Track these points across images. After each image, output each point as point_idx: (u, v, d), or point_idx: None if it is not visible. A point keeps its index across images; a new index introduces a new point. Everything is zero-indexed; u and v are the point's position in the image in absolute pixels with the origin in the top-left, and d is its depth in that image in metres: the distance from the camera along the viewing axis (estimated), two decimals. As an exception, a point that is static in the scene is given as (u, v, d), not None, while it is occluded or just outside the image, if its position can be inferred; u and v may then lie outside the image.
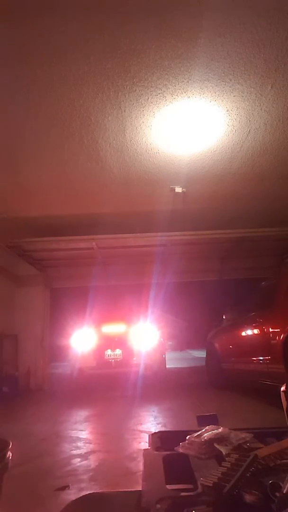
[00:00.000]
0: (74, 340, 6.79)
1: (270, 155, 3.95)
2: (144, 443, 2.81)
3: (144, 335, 6.64)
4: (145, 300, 7.84)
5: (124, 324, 6.83)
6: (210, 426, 1.45)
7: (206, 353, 6.77)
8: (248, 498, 0.95)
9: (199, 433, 1.39)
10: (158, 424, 3.71)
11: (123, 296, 8.54)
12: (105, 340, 6.61)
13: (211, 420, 1.55)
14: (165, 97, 2.95)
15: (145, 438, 2.89)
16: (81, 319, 7.14)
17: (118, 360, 6.43)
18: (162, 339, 7.46)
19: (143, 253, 6.99)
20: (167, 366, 7.93)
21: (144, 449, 1.37)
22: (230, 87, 2.88)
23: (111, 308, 7.85)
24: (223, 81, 2.81)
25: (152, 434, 1.51)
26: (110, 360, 6.44)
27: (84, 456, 2.69)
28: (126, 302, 8.07)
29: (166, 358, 7.63)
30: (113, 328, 6.81)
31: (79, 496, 1.19)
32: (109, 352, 6.50)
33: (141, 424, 3.74)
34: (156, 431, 1.54)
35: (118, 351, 6.48)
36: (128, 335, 6.65)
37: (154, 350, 6.69)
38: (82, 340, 6.70)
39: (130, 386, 6.19)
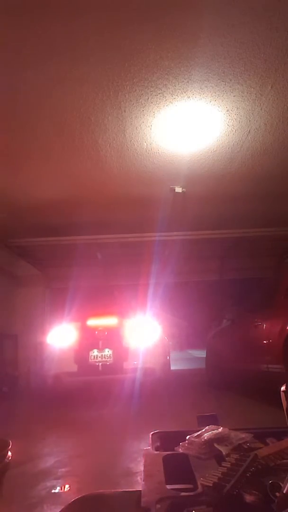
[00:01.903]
0: (50, 338, 5.30)
1: (270, 155, 3.95)
2: None
3: (142, 331, 5.13)
4: (144, 293, 6.85)
5: (116, 317, 5.27)
6: (210, 426, 1.45)
7: (206, 353, 6.77)
8: (248, 498, 0.95)
9: (199, 433, 1.39)
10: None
11: (119, 288, 7.44)
12: (90, 337, 5.01)
13: (211, 420, 1.54)
14: (165, 97, 2.95)
15: None
16: (68, 313, 5.71)
17: (108, 363, 4.85)
18: (166, 337, 5.94)
19: (143, 253, 6.99)
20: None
21: (144, 449, 1.37)
22: (230, 87, 2.88)
23: (103, 300, 6.44)
24: (223, 81, 2.81)
25: (152, 434, 1.51)
26: (97, 364, 4.85)
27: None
28: (122, 295, 6.92)
29: (170, 360, 5.93)
30: (101, 322, 5.20)
31: (79, 496, 1.19)
32: (95, 352, 4.90)
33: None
34: (156, 431, 1.54)
35: (107, 352, 4.91)
36: (121, 330, 5.08)
37: (155, 349, 5.12)
38: (59, 337, 5.17)
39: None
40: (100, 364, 4.88)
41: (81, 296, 6.37)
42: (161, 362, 5.18)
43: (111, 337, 5.02)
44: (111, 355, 4.92)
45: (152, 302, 6.60)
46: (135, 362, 4.90)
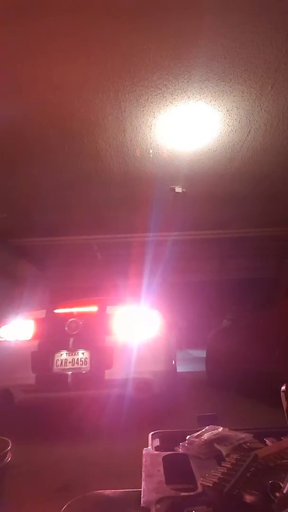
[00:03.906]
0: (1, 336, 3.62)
1: (270, 155, 3.96)
2: None
3: (136, 323, 3.50)
4: (141, 280, 5.42)
5: (95, 305, 3.67)
6: (210, 426, 1.45)
7: (206, 353, 6.76)
8: (248, 498, 0.95)
9: (199, 433, 1.39)
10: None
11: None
12: (56, 332, 3.42)
13: (211, 420, 1.55)
14: (165, 97, 2.95)
15: None
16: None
17: (82, 371, 3.22)
18: (171, 335, 4.31)
19: (142, 253, 7.00)
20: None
21: (144, 449, 1.37)
22: (230, 87, 2.88)
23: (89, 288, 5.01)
24: (223, 81, 2.81)
25: (152, 434, 1.51)
26: (65, 373, 3.22)
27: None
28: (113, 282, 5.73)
29: (176, 366, 4.34)
30: (74, 310, 3.56)
31: (79, 496, 1.20)
32: (63, 355, 3.28)
33: None
34: (156, 431, 1.54)
35: (81, 354, 3.28)
36: (103, 322, 3.47)
37: (155, 351, 3.44)
38: (12, 334, 3.56)
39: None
40: (70, 373, 3.23)
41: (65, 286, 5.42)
42: (163, 369, 3.51)
43: (88, 332, 3.40)
44: (88, 360, 3.28)
45: (151, 292, 5.01)
46: (130, 371, 3.23)
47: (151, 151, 3.79)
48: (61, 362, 3.31)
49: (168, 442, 1.42)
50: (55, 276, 8.00)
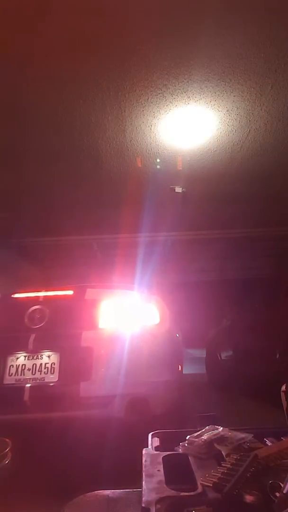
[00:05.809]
0: None
1: (270, 155, 3.95)
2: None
3: (128, 315, 2.58)
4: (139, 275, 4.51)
5: (71, 288, 2.70)
6: (210, 426, 1.45)
7: (206, 353, 6.77)
8: (248, 498, 0.96)
9: (199, 433, 1.39)
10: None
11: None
12: (11, 326, 2.54)
13: (211, 420, 1.55)
14: (165, 97, 2.95)
15: None
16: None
17: (49, 383, 2.29)
18: (177, 333, 3.16)
19: (142, 252, 6.99)
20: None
21: (144, 449, 1.37)
22: (230, 87, 2.88)
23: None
24: (223, 81, 2.81)
25: (152, 434, 1.51)
26: (22, 386, 2.28)
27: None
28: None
29: (183, 373, 3.15)
30: (39, 295, 2.63)
31: (79, 496, 1.20)
32: (20, 359, 2.38)
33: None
34: (156, 431, 1.54)
35: (47, 358, 2.36)
36: (80, 313, 2.53)
37: (155, 354, 2.49)
38: None
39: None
40: (29, 385, 2.30)
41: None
42: (166, 380, 2.52)
43: (57, 325, 2.49)
44: (56, 366, 2.34)
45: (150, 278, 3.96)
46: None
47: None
48: (17, 369, 2.38)
49: (168, 442, 1.42)
50: (55, 276, 7.99)
